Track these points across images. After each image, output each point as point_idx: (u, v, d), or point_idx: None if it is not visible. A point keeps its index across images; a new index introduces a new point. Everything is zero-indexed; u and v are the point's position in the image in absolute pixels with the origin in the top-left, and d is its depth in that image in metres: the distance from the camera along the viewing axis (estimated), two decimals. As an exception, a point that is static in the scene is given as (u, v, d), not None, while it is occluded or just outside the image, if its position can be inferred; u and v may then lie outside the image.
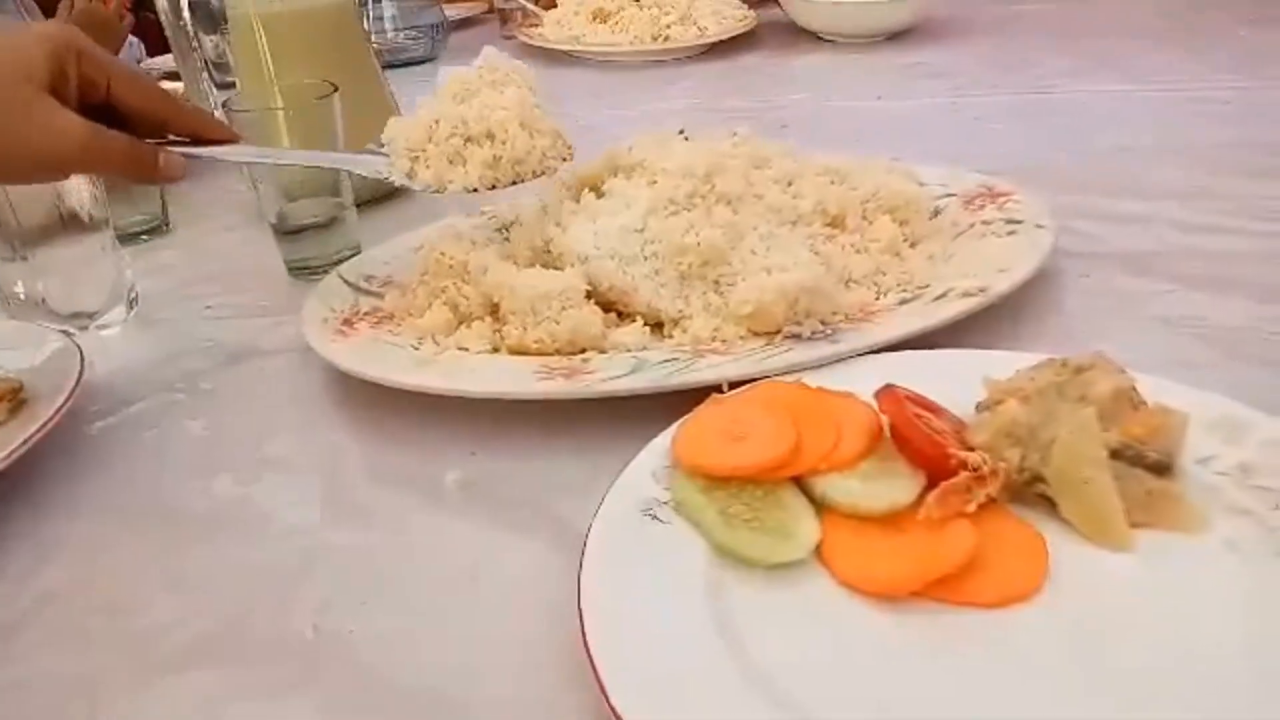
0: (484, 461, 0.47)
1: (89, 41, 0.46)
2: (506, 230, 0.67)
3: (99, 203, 0.61)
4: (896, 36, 1.27)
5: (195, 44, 0.78)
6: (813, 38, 1.31)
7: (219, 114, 0.79)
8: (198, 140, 0.52)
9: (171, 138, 0.51)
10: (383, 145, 0.57)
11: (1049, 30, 1.27)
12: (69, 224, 0.59)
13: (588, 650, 0.31)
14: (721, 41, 1.27)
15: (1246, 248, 0.61)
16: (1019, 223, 0.58)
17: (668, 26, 1.26)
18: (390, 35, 1.38)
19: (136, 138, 0.48)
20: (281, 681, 0.35)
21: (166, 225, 0.81)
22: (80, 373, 0.50)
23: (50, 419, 0.47)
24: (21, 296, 0.60)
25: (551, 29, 1.36)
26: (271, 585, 0.40)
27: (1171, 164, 0.76)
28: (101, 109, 0.47)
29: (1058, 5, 1.42)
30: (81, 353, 0.52)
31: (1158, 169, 0.75)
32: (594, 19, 1.32)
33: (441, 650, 0.36)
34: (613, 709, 0.29)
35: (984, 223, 0.59)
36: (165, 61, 1.40)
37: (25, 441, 0.45)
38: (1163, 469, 0.36)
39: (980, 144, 0.86)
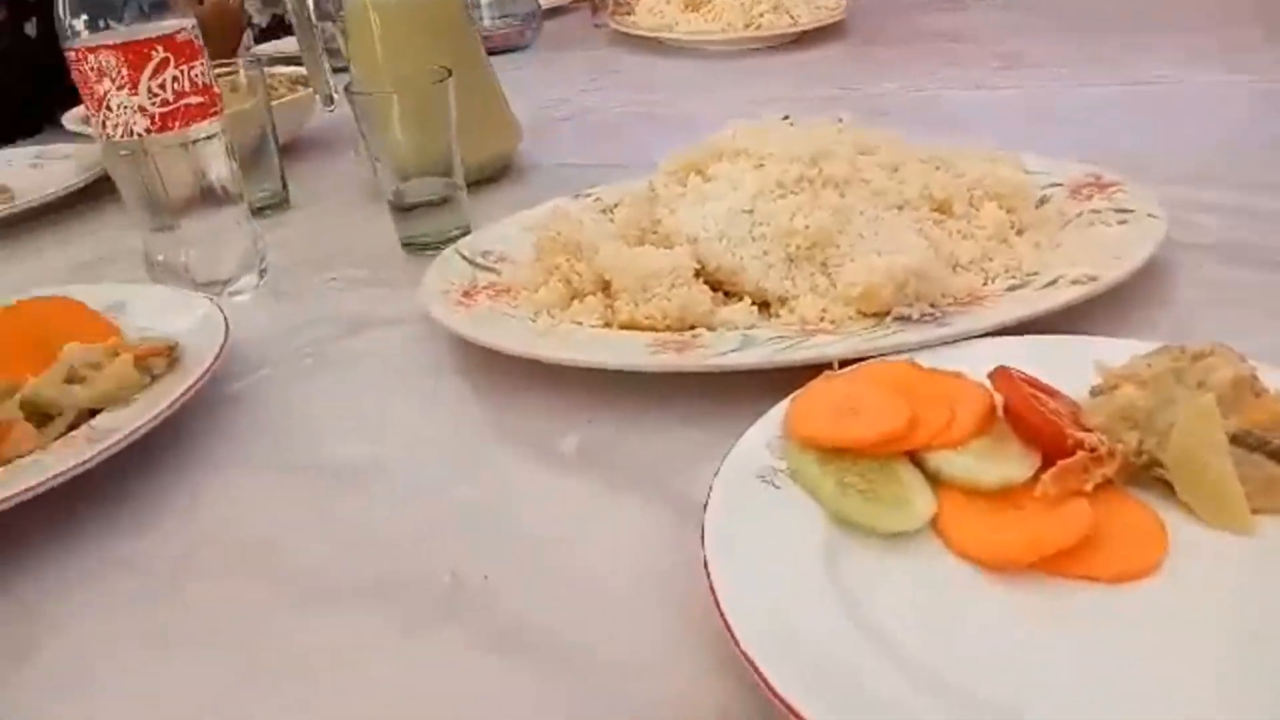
0: (598, 430, 0.49)
1: None
2: (611, 211, 0.69)
3: (236, 178, 0.65)
4: (994, 27, 1.26)
5: (319, 30, 0.82)
6: (902, 27, 1.30)
7: (338, 96, 0.83)
8: None
9: None
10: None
11: (1153, 20, 1.24)
12: (209, 197, 0.63)
13: (714, 594, 0.33)
14: (812, 31, 1.27)
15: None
16: (1129, 212, 0.58)
17: (760, 15, 1.26)
18: (487, 23, 1.41)
19: None
20: (425, 620, 0.38)
21: (287, 202, 0.85)
22: (225, 337, 0.54)
23: (201, 377, 0.50)
24: (164, 264, 0.64)
25: (644, 16, 1.37)
26: (406, 535, 0.43)
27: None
28: None
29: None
30: (226, 319, 0.55)
31: (1265, 162, 0.73)
32: (686, 7, 1.34)
33: (567, 596, 0.38)
34: (742, 653, 0.30)
35: (1092, 212, 0.59)
36: (271, 48, 1.47)
37: (178, 398, 0.49)
38: (1284, 455, 0.37)
39: (1082, 134, 0.85)
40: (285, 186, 0.85)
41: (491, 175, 0.86)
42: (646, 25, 1.35)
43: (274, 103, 0.88)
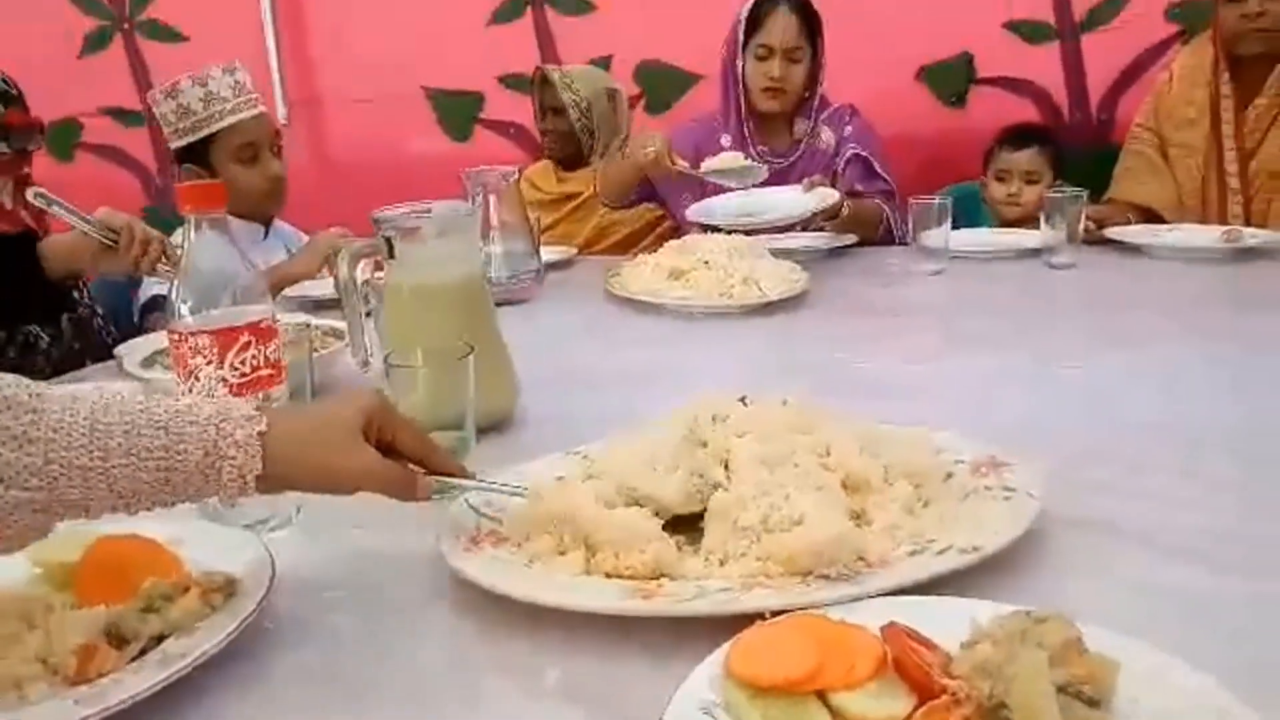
0: (577, 663, 0.60)
1: (391, 407, 0.69)
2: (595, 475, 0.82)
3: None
4: (936, 304, 1.47)
5: (365, 305, 0.99)
6: (853, 301, 1.52)
7: (376, 364, 0.99)
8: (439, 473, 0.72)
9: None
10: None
11: (1068, 304, 1.45)
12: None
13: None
14: (777, 301, 1.48)
15: (1216, 524, 0.72)
16: (1013, 491, 0.71)
17: (731, 286, 1.47)
18: (495, 278, 1.61)
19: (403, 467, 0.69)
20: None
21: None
22: (272, 576, 0.65)
23: (251, 613, 0.61)
24: (217, 504, 0.77)
25: (635, 281, 1.58)
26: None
27: (1166, 441, 0.89)
28: (386, 448, 0.69)
29: (1078, 278, 1.62)
30: (272, 558, 0.67)
31: (1155, 445, 0.88)
32: (669, 275, 1.55)
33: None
34: None
35: (986, 488, 0.73)
36: (299, 290, 1.66)
37: (233, 630, 0.59)
38: (1096, 704, 0.48)
39: (995, 411, 1.00)
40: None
41: (493, 426, 1.00)
42: (636, 289, 1.56)
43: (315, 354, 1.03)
